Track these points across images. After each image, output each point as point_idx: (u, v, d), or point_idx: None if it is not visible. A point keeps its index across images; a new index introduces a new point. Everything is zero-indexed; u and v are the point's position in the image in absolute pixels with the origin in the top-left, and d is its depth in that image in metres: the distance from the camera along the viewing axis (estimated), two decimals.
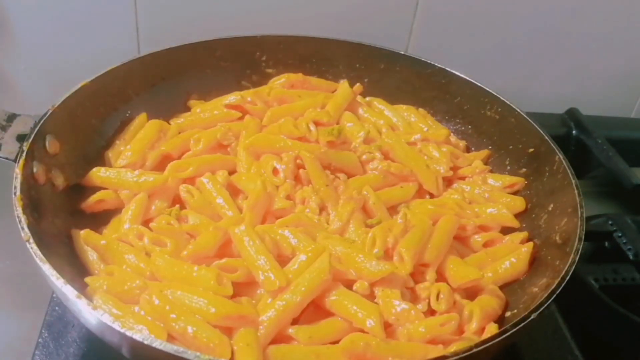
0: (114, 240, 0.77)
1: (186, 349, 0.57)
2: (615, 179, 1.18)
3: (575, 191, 0.81)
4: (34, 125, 0.79)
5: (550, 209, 0.86)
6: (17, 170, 0.74)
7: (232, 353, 0.64)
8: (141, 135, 0.92)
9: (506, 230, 0.88)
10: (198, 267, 0.71)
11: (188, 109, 1.01)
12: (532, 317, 0.64)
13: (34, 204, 0.74)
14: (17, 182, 0.72)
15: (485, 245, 0.85)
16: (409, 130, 1.00)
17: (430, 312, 0.74)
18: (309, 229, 0.79)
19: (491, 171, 0.97)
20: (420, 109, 1.06)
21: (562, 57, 1.35)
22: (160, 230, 0.78)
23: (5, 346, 0.85)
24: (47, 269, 0.63)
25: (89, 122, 0.90)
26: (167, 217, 0.79)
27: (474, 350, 0.59)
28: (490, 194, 0.91)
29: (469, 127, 1.04)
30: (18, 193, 0.71)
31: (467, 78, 1.02)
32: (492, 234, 0.86)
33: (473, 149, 1.03)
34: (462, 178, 0.96)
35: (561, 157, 0.87)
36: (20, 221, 0.68)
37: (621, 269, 0.99)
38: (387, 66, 1.07)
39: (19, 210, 0.69)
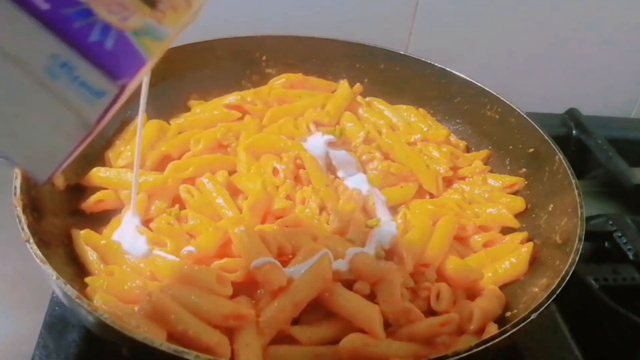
0: (114, 240, 0.77)
1: (186, 349, 0.57)
2: (615, 179, 1.18)
3: (575, 191, 0.81)
4: None
5: (550, 209, 0.86)
6: (17, 170, 0.73)
7: (232, 353, 0.64)
8: None
9: (506, 230, 0.88)
10: (198, 267, 0.71)
11: (188, 109, 1.01)
12: (532, 317, 0.64)
13: (34, 204, 0.73)
14: (17, 182, 0.72)
15: (485, 245, 0.85)
16: (409, 130, 1.00)
17: (431, 312, 0.74)
18: (309, 229, 0.79)
19: (491, 171, 0.97)
20: (420, 109, 1.06)
21: (562, 57, 1.35)
22: (160, 230, 0.78)
23: (5, 346, 0.85)
24: (47, 269, 0.63)
25: None
26: (167, 217, 0.79)
27: (474, 350, 0.59)
28: (490, 194, 0.91)
29: (469, 127, 1.04)
30: (18, 193, 0.71)
31: (467, 78, 1.02)
32: (492, 234, 0.86)
33: (473, 149, 1.03)
34: (462, 178, 0.96)
35: (561, 157, 0.87)
36: (20, 221, 0.68)
37: (621, 269, 0.98)
38: (387, 66, 1.07)
39: (19, 210, 0.69)
